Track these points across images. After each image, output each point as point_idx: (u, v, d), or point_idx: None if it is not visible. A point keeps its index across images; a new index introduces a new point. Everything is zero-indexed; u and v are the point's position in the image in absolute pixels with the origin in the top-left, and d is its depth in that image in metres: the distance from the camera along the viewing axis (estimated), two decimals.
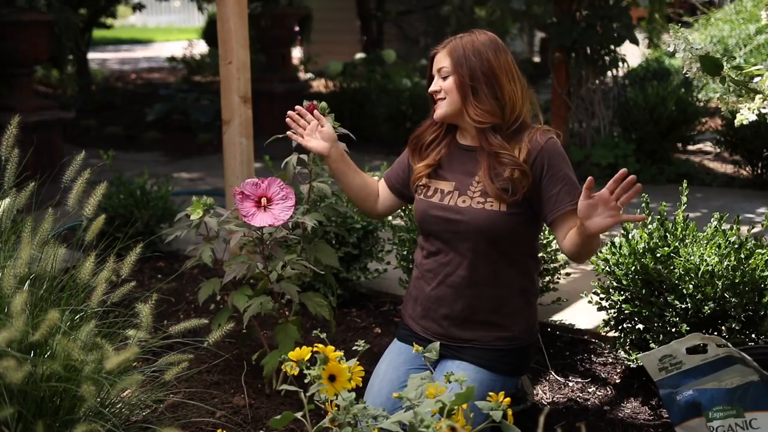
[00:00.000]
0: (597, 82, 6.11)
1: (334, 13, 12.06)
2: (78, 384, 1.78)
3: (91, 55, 12.85)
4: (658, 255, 2.60)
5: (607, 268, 2.74)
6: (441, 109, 2.37)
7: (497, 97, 2.30)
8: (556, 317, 3.26)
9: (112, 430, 1.86)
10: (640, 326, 2.71)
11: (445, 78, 2.35)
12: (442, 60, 2.35)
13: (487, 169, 2.30)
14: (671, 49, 2.13)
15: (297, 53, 11.43)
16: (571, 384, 2.82)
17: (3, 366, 1.60)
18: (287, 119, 2.53)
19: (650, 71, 8.29)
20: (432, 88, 2.38)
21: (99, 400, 1.90)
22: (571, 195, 2.27)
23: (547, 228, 3.01)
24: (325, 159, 2.54)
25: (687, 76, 2.12)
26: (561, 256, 3.14)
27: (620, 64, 6.10)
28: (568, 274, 3.49)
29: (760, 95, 1.97)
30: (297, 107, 2.55)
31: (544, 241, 3.09)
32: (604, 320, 2.81)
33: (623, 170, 2.05)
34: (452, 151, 2.42)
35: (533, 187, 2.27)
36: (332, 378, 1.77)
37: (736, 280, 2.49)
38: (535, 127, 2.36)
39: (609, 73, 6.23)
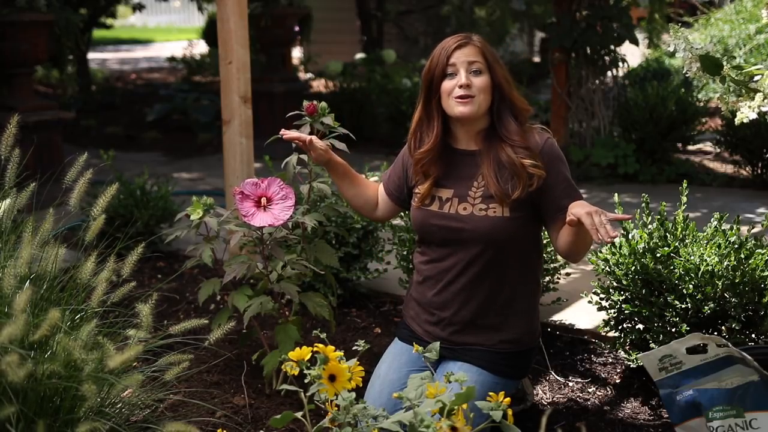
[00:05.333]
0: (597, 82, 6.11)
1: (334, 13, 12.06)
2: (79, 383, 1.78)
3: (91, 55, 12.85)
4: (658, 255, 2.60)
5: (607, 268, 2.74)
6: (473, 106, 2.26)
7: (511, 100, 2.31)
8: (556, 317, 3.26)
9: (114, 428, 1.86)
10: (640, 326, 2.71)
11: (476, 74, 2.26)
12: (474, 54, 2.26)
13: (492, 168, 2.27)
14: (671, 49, 2.13)
15: (297, 53, 11.43)
16: (571, 384, 2.82)
17: (6, 362, 1.60)
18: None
19: (650, 71, 8.29)
20: (464, 81, 2.24)
21: (99, 399, 1.90)
22: (569, 196, 2.26)
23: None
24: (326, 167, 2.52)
25: (687, 76, 2.11)
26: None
27: (620, 64, 6.11)
28: (568, 274, 3.49)
29: (761, 94, 1.97)
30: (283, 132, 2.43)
31: (545, 241, 3.09)
32: (604, 320, 2.81)
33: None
34: (448, 157, 2.36)
35: (536, 186, 2.26)
36: (332, 378, 1.77)
37: (736, 280, 2.49)
38: (531, 126, 2.35)
39: (609, 73, 6.23)
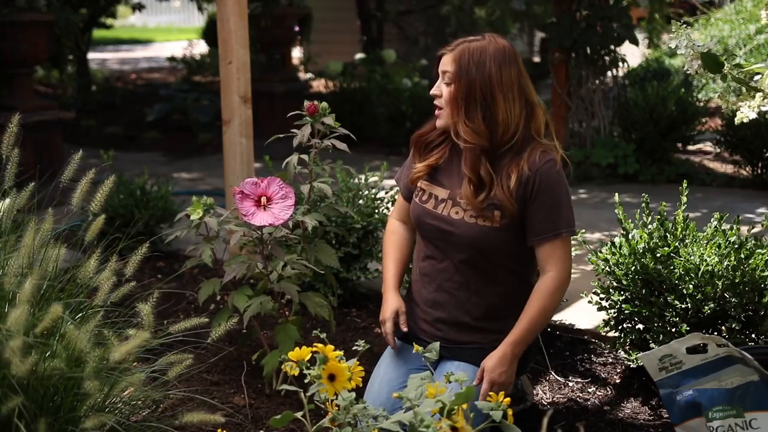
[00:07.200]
0: (597, 82, 6.11)
1: (334, 13, 12.05)
2: (81, 379, 1.79)
3: (91, 55, 12.84)
4: (658, 255, 2.60)
5: (607, 268, 2.73)
6: (441, 120, 2.31)
7: (490, 117, 2.22)
8: (556, 317, 3.26)
9: (121, 421, 1.86)
10: (640, 326, 2.71)
11: (447, 84, 2.27)
12: (449, 64, 2.26)
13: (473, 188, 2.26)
14: (672, 47, 2.13)
15: (297, 53, 11.42)
16: (571, 384, 2.82)
17: (10, 348, 1.60)
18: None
19: (650, 71, 8.27)
20: (434, 91, 2.31)
21: (100, 398, 1.90)
22: (552, 225, 2.23)
23: None
24: None
25: (687, 75, 2.11)
26: None
27: (620, 64, 6.11)
28: None
29: (761, 93, 1.97)
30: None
31: None
32: (604, 320, 2.81)
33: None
34: (453, 155, 2.37)
35: (521, 208, 2.25)
36: (332, 378, 1.77)
37: (736, 280, 2.49)
38: (541, 143, 2.28)
39: (609, 73, 6.23)
